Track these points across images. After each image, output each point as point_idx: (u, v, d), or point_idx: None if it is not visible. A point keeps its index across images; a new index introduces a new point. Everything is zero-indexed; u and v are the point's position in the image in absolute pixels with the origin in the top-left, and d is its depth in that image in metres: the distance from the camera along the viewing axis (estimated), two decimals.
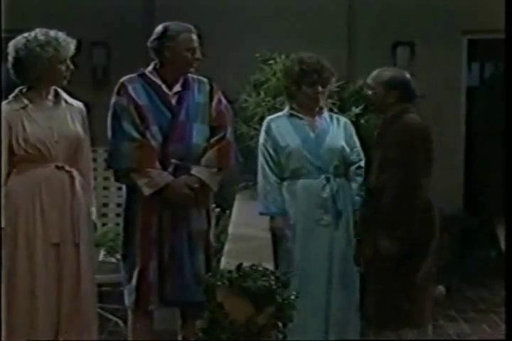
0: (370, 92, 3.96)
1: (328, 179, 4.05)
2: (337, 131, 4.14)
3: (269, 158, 4.08)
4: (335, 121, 4.19)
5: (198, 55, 3.75)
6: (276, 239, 4.06)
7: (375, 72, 3.98)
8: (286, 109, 4.20)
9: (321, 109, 4.17)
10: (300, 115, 4.13)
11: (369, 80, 3.97)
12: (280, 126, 4.11)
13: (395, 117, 3.86)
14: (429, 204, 3.83)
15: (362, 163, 4.16)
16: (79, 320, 3.59)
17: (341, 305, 4.04)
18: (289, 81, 4.14)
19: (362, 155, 4.18)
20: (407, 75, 3.96)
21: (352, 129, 4.23)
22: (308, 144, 4.07)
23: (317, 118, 4.14)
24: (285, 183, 4.10)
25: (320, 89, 4.05)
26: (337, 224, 4.06)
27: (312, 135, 4.10)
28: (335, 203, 4.04)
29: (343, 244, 4.07)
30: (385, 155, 3.82)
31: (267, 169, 4.08)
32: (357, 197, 4.11)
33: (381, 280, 3.82)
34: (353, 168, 4.17)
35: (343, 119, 4.25)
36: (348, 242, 4.08)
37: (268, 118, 4.24)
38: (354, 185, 4.14)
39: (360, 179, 4.13)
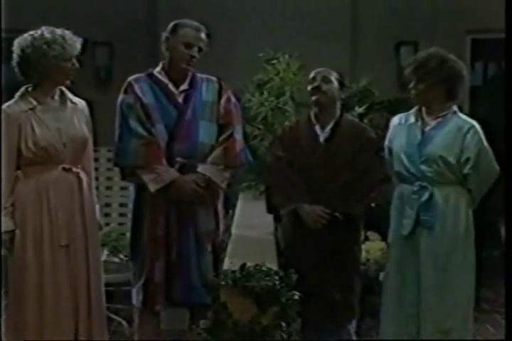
0: (326, 86, 3.89)
1: (421, 187, 3.74)
2: (449, 137, 3.77)
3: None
4: (454, 126, 3.80)
5: (194, 52, 3.68)
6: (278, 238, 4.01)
7: (324, 69, 3.94)
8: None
9: (440, 110, 3.80)
10: (423, 115, 3.84)
11: (325, 74, 3.91)
12: (398, 124, 3.89)
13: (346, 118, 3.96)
14: None
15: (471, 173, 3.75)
16: (90, 321, 3.60)
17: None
18: None
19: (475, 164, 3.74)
20: None
21: (475, 138, 3.77)
22: (409, 148, 3.77)
23: (439, 119, 3.80)
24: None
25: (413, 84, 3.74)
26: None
27: (418, 138, 3.78)
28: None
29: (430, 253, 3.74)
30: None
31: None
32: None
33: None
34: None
35: (467, 126, 3.81)
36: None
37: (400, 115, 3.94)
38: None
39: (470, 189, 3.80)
